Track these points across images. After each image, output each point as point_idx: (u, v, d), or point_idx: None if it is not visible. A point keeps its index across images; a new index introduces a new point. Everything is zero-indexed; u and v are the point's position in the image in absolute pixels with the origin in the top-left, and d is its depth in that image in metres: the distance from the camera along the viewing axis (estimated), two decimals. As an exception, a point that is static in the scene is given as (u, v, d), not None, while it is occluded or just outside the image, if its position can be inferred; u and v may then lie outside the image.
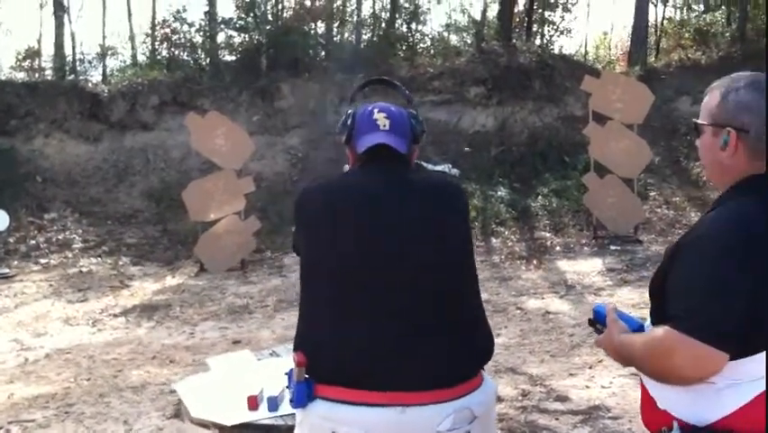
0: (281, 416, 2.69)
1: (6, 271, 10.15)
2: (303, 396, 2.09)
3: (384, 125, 2.26)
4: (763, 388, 1.65)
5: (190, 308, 8.31)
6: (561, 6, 18.64)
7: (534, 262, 9.82)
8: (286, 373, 2.22)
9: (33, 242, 11.04)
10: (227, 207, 10.29)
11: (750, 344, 1.63)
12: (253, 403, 2.76)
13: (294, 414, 2.60)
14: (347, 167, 2.47)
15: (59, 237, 11.18)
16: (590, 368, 5.67)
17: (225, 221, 10.27)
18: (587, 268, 9.30)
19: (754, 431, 1.64)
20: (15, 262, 10.62)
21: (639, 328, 1.88)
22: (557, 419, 4.70)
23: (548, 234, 11.14)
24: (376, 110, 2.30)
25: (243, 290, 9.01)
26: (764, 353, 1.64)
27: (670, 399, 1.77)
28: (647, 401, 1.87)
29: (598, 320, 2.01)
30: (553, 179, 12.82)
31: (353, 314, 2.11)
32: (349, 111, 2.34)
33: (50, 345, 6.97)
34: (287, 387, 2.24)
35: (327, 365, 2.09)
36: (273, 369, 3.16)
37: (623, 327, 1.90)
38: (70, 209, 12.01)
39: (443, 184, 2.32)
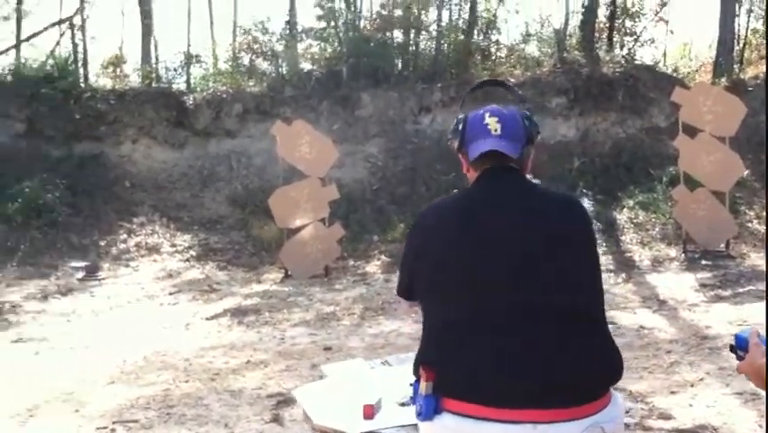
0: (403, 426, 2.68)
1: (99, 274, 10.47)
2: (430, 410, 2.06)
3: (495, 129, 2.19)
4: None
5: (279, 313, 8.41)
6: (643, 16, 18.26)
7: (623, 275, 9.63)
8: (411, 384, 2.19)
9: (124, 245, 11.36)
10: (312, 214, 10.42)
11: None
12: (369, 412, 2.76)
13: (414, 424, 2.62)
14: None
15: (149, 241, 11.48)
16: (692, 386, 5.51)
17: (310, 228, 10.39)
18: (678, 283, 9.07)
19: None
20: (107, 265, 10.95)
21: None
22: (662, 437, 4.59)
23: (635, 248, 10.91)
24: (487, 114, 2.22)
25: (329, 297, 9.08)
26: None
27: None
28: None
29: (739, 346, 1.97)
30: (639, 191, 12.56)
31: (483, 330, 2.07)
32: (460, 116, 2.28)
33: (146, 348, 7.13)
34: (410, 397, 2.21)
35: (456, 381, 2.05)
36: (387, 378, 3.17)
37: (765, 350, 1.85)
38: (158, 214, 12.32)
39: (568, 202, 2.28)
